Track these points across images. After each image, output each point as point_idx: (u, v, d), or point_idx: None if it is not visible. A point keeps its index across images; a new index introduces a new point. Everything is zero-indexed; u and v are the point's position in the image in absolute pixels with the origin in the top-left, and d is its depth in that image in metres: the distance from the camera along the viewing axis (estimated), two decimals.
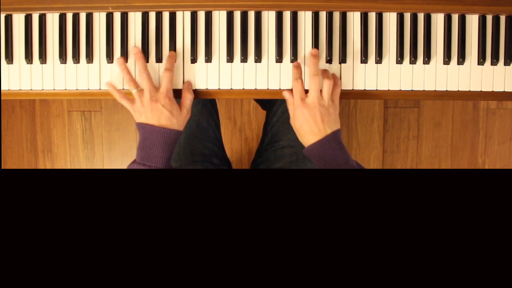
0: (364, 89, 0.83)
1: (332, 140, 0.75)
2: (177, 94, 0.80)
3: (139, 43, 0.81)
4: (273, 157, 0.96)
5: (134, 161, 0.77)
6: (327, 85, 0.76)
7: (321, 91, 0.77)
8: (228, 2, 0.81)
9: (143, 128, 0.76)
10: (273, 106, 1.00)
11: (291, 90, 0.80)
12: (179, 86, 0.81)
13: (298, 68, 0.79)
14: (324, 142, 0.75)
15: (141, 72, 0.77)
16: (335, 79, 0.79)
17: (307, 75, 0.81)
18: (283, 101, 0.98)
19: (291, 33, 0.81)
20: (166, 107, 0.75)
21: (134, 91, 0.77)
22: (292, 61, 0.82)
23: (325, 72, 0.78)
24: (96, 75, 0.82)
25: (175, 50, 0.81)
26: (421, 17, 0.83)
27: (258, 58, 0.81)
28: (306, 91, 0.77)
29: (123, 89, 0.81)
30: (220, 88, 0.82)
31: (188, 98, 0.79)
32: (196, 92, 0.82)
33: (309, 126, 0.75)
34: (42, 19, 0.81)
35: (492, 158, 1.57)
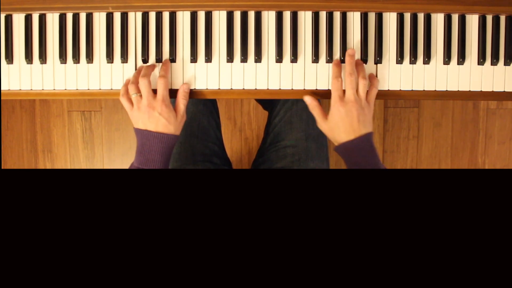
0: None
1: (366, 141, 0.75)
2: (174, 94, 0.80)
3: (139, 43, 0.81)
4: (275, 157, 0.96)
5: (132, 165, 0.78)
6: (362, 85, 0.76)
7: (357, 91, 0.77)
8: (228, 2, 0.81)
9: (141, 134, 0.77)
10: (275, 106, 1.00)
11: (312, 94, 0.80)
12: (178, 86, 0.81)
13: (338, 66, 0.79)
14: (357, 141, 0.75)
15: (142, 77, 0.77)
16: (372, 80, 0.80)
17: (345, 74, 0.80)
18: (285, 101, 0.98)
19: (291, 33, 0.81)
20: (163, 115, 0.76)
21: (133, 95, 0.77)
22: (292, 61, 0.82)
23: (361, 72, 0.78)
24: (96, 75, 0.82)
25: (175, 50, 0.81)
26: (421, 17, 0.83)
27: (258, 58, 0.81)
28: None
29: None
30: (220, 88, 0.82)
31: (182, 104, 0.79)
32: (196, 92, 0.82)
33: (344, 124, 0.75)
34: (42, 19, 0.81)
35: (492, 158, 1.57)
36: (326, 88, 0.82)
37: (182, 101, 0.79)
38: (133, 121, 0.79)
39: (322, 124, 0.79)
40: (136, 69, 0.82)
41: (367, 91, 0.78)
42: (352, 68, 0.77)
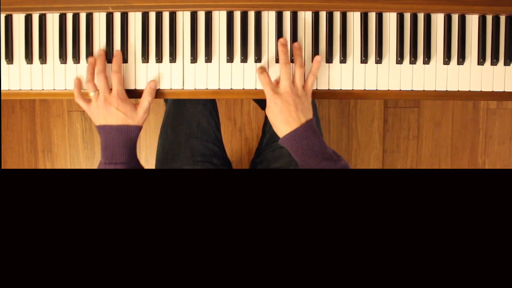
0: (364, 89, 0.83)
1: (308, 129, 0.75)
2: (175, 94, 0.80)
3: (139, 43, 0.81)
4: (271, 157, 0.96)
5: (100, 163, 0.78)
6: (298, 73, 0.76)
7: (293, 80, 0.76)
8: (228, 2, 0.81)
9: (103, 130, 0.78)
10: None
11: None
12: (179, 86, 0.81)
13: (261, 67, 0.80)
14: (300, 131, 0.74)
15: (98, 73, 0.78)
16: (313, 67, 0.79)
17: (280, 64, 0.79)
18: None
19: (291, 33, 0.81)
20: (120, 109, 0.77)
21: (92, 94, 0.78)
22: (292, 61, 0.82)
23: (298, 60, 0.78)
24: None
25: (175, 50, 0.81)
26: (421, 17, 0.83)
27: (258, 58, 0.81)
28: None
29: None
30: (220, 88, 0.82)
31: (146, 100, 0.79)
32: (196, 92, 0.82)
33: (283, 115, 0.75)
34: (42, 19, 0.81)
35: (492, 158, 1.57)
36: (326, 88, 0.82)
37: (147, 98, 0.79)
38: (93, 119, 0.79)
39: (268, 116, 0.78)
40: (135, 69, 0.82)
41: (305, 79, 0.77)
42: (286, 57, 0.77)
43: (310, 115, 0.76)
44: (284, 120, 0.75)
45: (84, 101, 0.79)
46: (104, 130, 0.77)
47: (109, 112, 0.77)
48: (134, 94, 0.82)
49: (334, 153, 0.76)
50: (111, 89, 0.78)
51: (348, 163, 1.54)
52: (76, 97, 0.80)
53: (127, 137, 0.77)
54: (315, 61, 0.79)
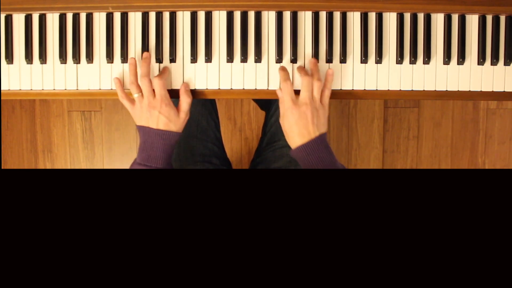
0: (364, 89, 0.83)
1: (320, 143, 0.75)
2: (175, 94, 0.80)
3: (139, 43, 0.81)
4: (271, 157, 0.96)
5: (135, 162, 0.78)
6: (317, 86, 0.76)
7: (312, 92, 0.76)
8: (228, 2, 0.81)
9: (143, 131, 0.78)
10: (271, 106, 1.00)
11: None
12: (179, 86, 0.81)
13: (285, 70, 0.79)
14: (312, 144, 0.75)
15: (143, 77, 0.78)
16: (327, 81, 0.79)
17: (298, 76, 0.80)
18: None
19: (291, 33, 0.81)
20: (164, 114, 0.77)
21: (136, 96, 0.78)
22: (292, 61, 0.82)
23: (316, 73, 0.78)
24: (96, 75, 0.82)
25: (175, 50, 0.81)
26: (421, 17, 0.83)
27: (258, 58, 0.81)
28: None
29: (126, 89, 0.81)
30: (220, 88, 0.82)
31: (186, 102, 0.79)
32: (196, 92, 0.82)
33: (299, 127, 0.75)
34: (42, 19, 0.81)
35: (492, 158, 1.57)
36: None
37: (185, 100, 0.79)
38: (135, 119, 0.79)
39: (282, 123, 0.79)
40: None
41: (321, 92, 0.78)
42: (307, 71, 0.78)
43: (324, 129, 0.77)
44: (299, 132, 0.75)
45: (129, 101, 0.79)
46: (145, 131, 0.78)
47: (152, 116, 0.77)
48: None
49: (343, 168, 0.77)
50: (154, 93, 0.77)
51: (346, 164, 1.54)
52: (120, 97, 0.79)
53: (167, 143, 0.77)
54: (328, 75, 0.79)
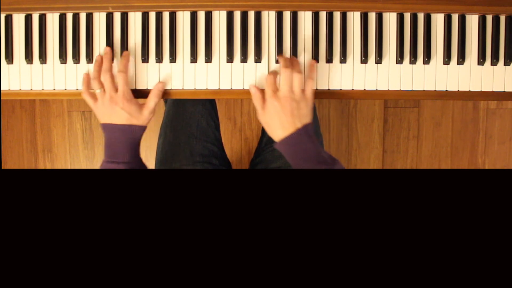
0: (364, 89, 0.83)
1: (303, 134, 0.75)
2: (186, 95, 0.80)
3: (139, 43, 0.81)
4: (270, 157, 0.96)
5: (103, 161, 0.78)
6: (297, 78, 0.76)
7: (292, 85, 0.76)
8: (228, 2, 0.81)
9: (106, 128, 0.78)
10: None
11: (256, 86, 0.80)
12: (179, 86, 0.81)
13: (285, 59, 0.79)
14: (294, 136, 0.75)
15: (104, 72, 0.78)
16: (311, 71, 0.79)
17: (280, 69, 0.79)
18: None
19: (291, 33, 0.81)
20: (125, 109, 0.77)
21: (98, 91, 0.78)
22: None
23: (296, 66, 0.78)
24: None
25: (175, 50, 0.81)
26: (421, 17, 0.83)
27: (258, 58, 0.81)
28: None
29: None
30: (220, 88, 0.82)
31: (153, 101, 0.79)
32: (196, 92, 0.82)
33: (280, 119, 0.75)
34: (42, 19, 0.81)
35: (492, 158, 1.57)
36: (326, 88, 0.82)
37: (153, 99, 0.80)
38: (98, 116, 0.79)
39: (261, 117, 0.78)
40: (135, 69, 0.82)
41: (305, 84, 0.77)
42: (286, 62, 0.77)
43: (307, 120, 0.76)
44: (280, 125, 0.75)
45: (90, 97, 0.79)
46: (108, 128, 0.78)
47: (114, 111, 0.77)
48: (136, 94, 0.82)
49: (329, 157, 0.76)
50: (117, 88, 0.78)
51: (346, 164, 1.54)
52: (83, 92, 0.80)
53: (130, 136, 0.78)
54: (311, 65, 0.80)
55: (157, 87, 0.80)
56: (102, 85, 0.78)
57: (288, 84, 0.75)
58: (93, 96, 0.79)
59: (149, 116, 0.80)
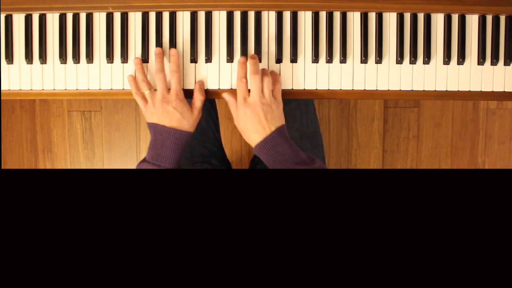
0: (364, 89, 0.83)
1: (277, 136, 0.75)
2: (187, 94, 0.80)
3: (139, 43, 0.81)
4: None
5: (144, 160, 0.77)
6: (266, 82, 0.76)
7: (262, 89, 0.76)
8: (228, 2, 0.81)
9: (154, 128, 0.77)
10: None
11: (232, 91, 0.80)
12: (188, 86, 0.81)
13: (242, 67, 0.79)
14: (269, 139, 0.75)
15: (157, 72, 0.78)
16: (275, 76, 0.79)
17: (248, 75, 0.79)
18: None
19: (291, 33, 0.81)
20: (177, 109, 0.76)
21: (147, 92, 0.78)
22: (292, 61, 0.82)
23: (263, 70, 0.78)
24: (96, 75, 0.82)
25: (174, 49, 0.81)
26: (421, 17, 0.83)
27: (258, 58, 0.81)
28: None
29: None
30: (220, 88, 0.82)
31: (199, 99, 0.79)
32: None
33: (253, 125, 0.75)
34: (42, 19, 0.81)
35: (492, 158, 1.57)
36: (326, 88, 0.82)
37: (199, 97, 0.79)
38: (147, 116, 0.79)
39: (236, 123, 0.79)
40: (135, 69, 0.81)
41: (273, 86, 0.78)
42: (255, 68, 0.77)
43: (280, 122, 0.76)
44: (254, 130, 0.75)
45: (142, 98, 0.78)
46: (156, 129, 0.77)
47: (165, 111, 0.76)
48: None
49: (307, 156, 0.76)
50: (169, 89, 0.78)
51: (346, 164, 1.54)
52: (134, 93, 0.79)
53: (178, 142, 0.76)
54: (274, 72, 0.80)
55: (198, 85, 0.80)
56: (150, 86, 0.78)
57: (257, 90, 0.75)
58: (144, 97, 0.78)
59: (198, 117, 0.79)
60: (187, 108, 0.77)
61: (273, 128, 0.75)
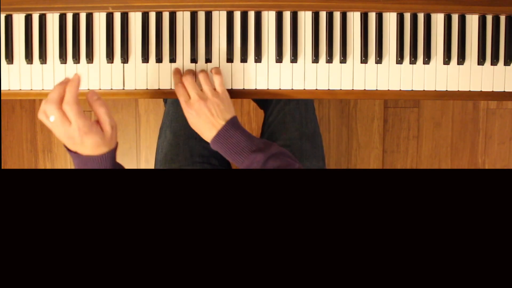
0: (364, 89, 0.83)
1: (230, 128, 0.75)
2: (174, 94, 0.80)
3: (139, 43, 0.81)
4: None
5: None
6: (202, 78, 0.77)
7: (201, 87, 0.77)
8: (228, 2, 0.81)
9: (76, 158, 0.70)
10: (269, 106, 1.00)
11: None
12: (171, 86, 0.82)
13: (176, 73, 0.79)
14: (222, 133, 0.75)
15: (52, 106, 0.66)
16: (216, 69, 0.79)
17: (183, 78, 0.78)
18: (278, 101, 0.98)
19: (291, 33, 0.81)
20: (87, 144, 0.67)
21: (51, 119, 0.66)
22: (292, 61, 0.82)
23: (197, 68, 0.79)
24: (96, 75, 0.82)
25: (175, 50, 0.81)
26: (421, 17, 0.83)
27: (258, 58, 0.81)
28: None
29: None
30: None
31: (102, 113, 0.69)
32: None
33: (203, 123, 0.76)
34: (42, 19, 0.81)
35: (492, 158, 1.57)
36: (326, 88, 0.82)
37: (101, 111, 0.69)
38: (62, 140, 0.69)
39: (190, 125, 0.79)
40: (135, 69, 0.81)
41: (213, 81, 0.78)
42: (186, 72, 0.78)
43: (229, 114, 0.77)
44: (205, 128, 0.76)
45: (46, 119, 0.67)
46: (79, 159, 0.69)
47: (76, 144, 0.67)
48: (136, 94, 0.82)
49: (263, 143, 0.76)
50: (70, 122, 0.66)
51: (346, 164, 1.54)
52: (39, 113, 0.68)
53: (104, 166, 0.70)
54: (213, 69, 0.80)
55: (90, 96, 0.70)
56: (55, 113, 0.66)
57: (195, 89, 0.76)
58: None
59: (113, 132, 0.70)
60: (98, 135, 0.67)
61: (223, 122, 0.75)
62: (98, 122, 0.70)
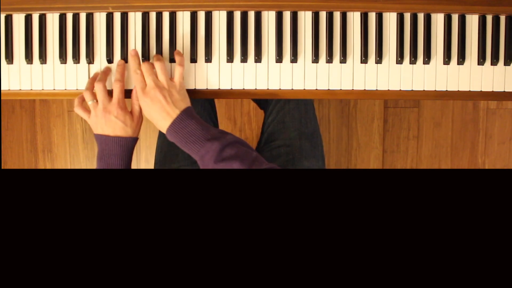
0: (364, 89, 0.83)
1: (185, 118, 0.75)
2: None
3: (139, 43, 0.81)
4: (269, 157, 0.96)
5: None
6: (159, 67, 0.77)
7: (157, 75, 0.77)
8: (228, 2, 0.81)
9: (100, 139, 0.78)
10: (268, 106, 1.00)
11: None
12: (188, 86, 0.81)
13: (135, 59, 0.79)
14: (177, 122, 0.74)
15: (98, 82, 0.77)
16: (180, 59, 0.79)
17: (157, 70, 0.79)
18: (277, 101, 0.98)
19: (291, 33, 0.81)
20: (119, 118, 0.76)
21: (90, 102, 0.78)
22: (292, 61, 0.82)
23: (156, 56, 0.79)
24: None
25: (175, 50, 0.81)
26: (421, 17, 0.83)
27: (258, 58, 0.81)
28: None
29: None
30: (220, 88, 0.82)
31: (136, 104, 0.79)
32: (196, 92, 0.82)
33: (157, 112, 0.75)
34: (42, 19, 0.81)
35: (492, 158, 1.57)
36: (326, 88, 0.82)
37: (136, 102, 0.79)
38: (92, 128, 0.79)
39: (145, 117, 0.79)
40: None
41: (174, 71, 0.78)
42: (138, 61, 0.78)
43: (185, 105, 0.76)
44: (160, 117, 0.75)
45: (83, 110, 0.79)
46: (101, 140, 0.77)
47: (107, 121, 0.76)
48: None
49: (219, 132, 0.75)
50: (111, 98, 0.77)
51: (346, 164, 1.54)
52: (75, 105, 0.79)
53: (124, 149, 0.77)
54: (176, 53, 0.80)
55: (132, 92, 0.79)
56: (94, 96, 0.77)
57: (151, 76, 0.76)
58: (86, 109, 0.79)
59: (140, 122, 0.79)
60: (129, 116, 0.77)
61: (178, 111, 0.75)
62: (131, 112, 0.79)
